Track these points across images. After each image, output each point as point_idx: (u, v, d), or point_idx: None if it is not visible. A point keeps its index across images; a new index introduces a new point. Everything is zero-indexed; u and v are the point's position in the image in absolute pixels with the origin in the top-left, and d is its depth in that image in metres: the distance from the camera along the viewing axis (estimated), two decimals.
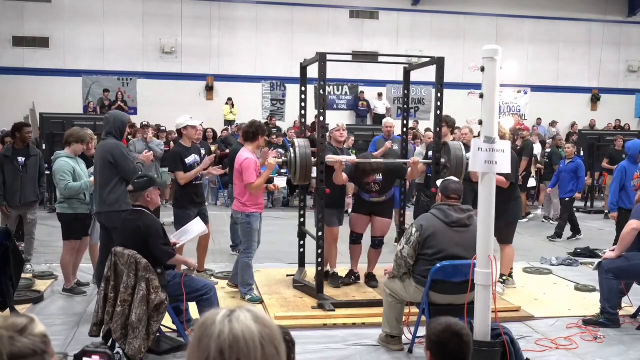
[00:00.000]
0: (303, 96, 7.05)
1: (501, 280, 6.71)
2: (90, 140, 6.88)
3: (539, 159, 13.42)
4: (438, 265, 4.67)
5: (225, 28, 19.03)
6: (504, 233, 6.72)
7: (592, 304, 6.24)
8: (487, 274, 3.95)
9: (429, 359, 2.72)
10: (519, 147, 11.92)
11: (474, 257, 4.06)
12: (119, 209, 5.56)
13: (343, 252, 7.36)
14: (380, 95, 19.54)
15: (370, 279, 6.75)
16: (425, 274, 4.74)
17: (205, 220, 6.51)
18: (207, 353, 1.32)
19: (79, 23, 18.12)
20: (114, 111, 7.76)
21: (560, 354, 5.08)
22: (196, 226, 5.73)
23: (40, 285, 6.67)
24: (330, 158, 6.18)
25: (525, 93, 21.00)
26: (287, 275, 7.01)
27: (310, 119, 8.74)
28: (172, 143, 11.91)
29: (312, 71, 6.53)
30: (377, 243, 6.78)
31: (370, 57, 18.75)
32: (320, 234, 6.08)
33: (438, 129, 6.40)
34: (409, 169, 6.59)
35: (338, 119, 8.03)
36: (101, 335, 4.69)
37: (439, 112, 6.32)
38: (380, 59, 17.46)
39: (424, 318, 4.81)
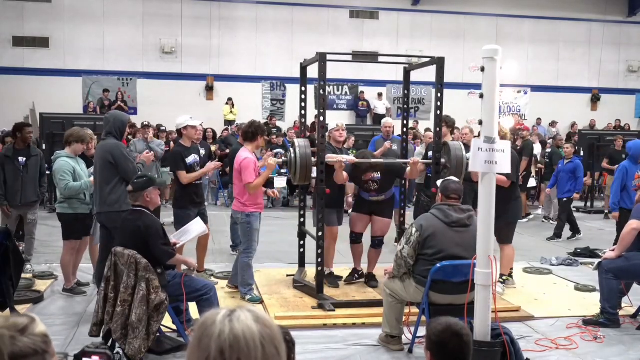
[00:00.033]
0: (303, 96, 7.05)
1: (501, 280, 6.72)
2: (90, 140, 6.88)
3: (538, 159, 13.42)
4: (438, 265, 4.67)
5: (225, 28, 19.03)
6: (504, 233, 6.72)
7: (592, 304, 6.24)
8: (487, 274, 3.95)
9: (429, 359, 2.72)
10: (519, 147, 11.93)
11: (474, 257, 4.06)
12: (119, 209, 5.56)
13: (343, 252, 7.36)
14: (380, 95, 19.54)
15: (370, 279, 6.75)
16: (425, 274, 4.74)
17: (205, 220, 6.51)
18: (208, 353, 1.32)
19: (79, 23, 18.12)
20: (114, 111, 7.76)
21: (560, 354, 5.08)
22: (196, 226, 5.73)
23: (40, 285, 6.67)
24: (330, 157, 6.18)
25: (525, 93, 21.00)
26: (287, 275, 7.01)
27: (310, 119, 8.75)
28: (172, 143, 11.91)
29: (312, 71, 6.53)
30: (377, 243, 6.78)
31: (370, 57, 18.75)
32: (320, 234, 6.09)
33: (438, 129, 6.40)
34: (408, 168, 6.60)
35: (338, 119, 8.03)
36: (101, 335, 4.69)
37: (439, 112, 6.32)
38: (380, 59, 17.47)
39: (424, 318, 4.81)
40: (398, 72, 14.09)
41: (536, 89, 20.83)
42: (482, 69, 3.93)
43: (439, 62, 6.30)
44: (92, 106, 17.82)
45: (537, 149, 13.53)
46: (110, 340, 4.63)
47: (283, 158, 6.54)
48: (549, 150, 13.97)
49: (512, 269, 7.13)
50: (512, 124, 15.06)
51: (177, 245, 5.33)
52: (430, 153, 7.17)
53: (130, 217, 4.89)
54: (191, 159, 6.74)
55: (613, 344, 5.33)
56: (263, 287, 6.65)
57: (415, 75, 7.69)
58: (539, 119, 20.26)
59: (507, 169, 4.09)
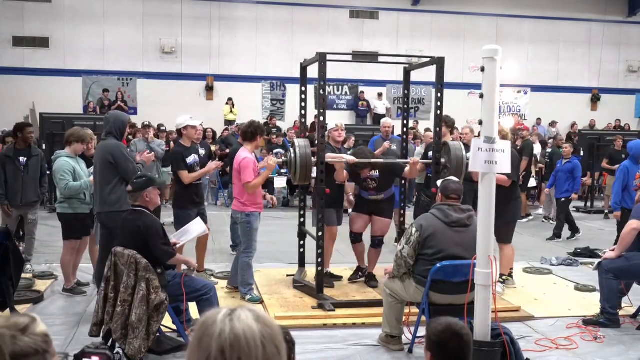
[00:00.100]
0: (303, 96, 7.05)
1: (501, 280, 6.72)
2: (90, 140, 6.89)
3: (538, 159, 13.42)
4: (438, 265, 4.67)
5: (225, 28, 19.03)
6: (503, 233, 6.72)
7: (592, 304, 6.24)
8: (487, 274, 3.95)
9: (429, 359, 2.72)
10: (519, 147, 11.93)
11: (474, 257, 4.06)
12: (119, 209, 5.56)
13: (342, 252, 7.36)
14: (380, 95, 19.54)
15: (370, 279, 6.76)
16: (425, 274, 4.74)
17: (204, 219, 6.51)
18: (208, 352, 1.32)
19: (79, 23, 18.12)
20: (114, 111, 7.76)
21: (560, 354, 5.08)
22: (196, 226, 5.73)
23: (40, 285, 6.67)
24: (330, 157, 6.18)
25: (525, 93, 21.00)
26: (287, 275, 7.01)
27: (310, 119, 8.76)
28: (172, 143, 11.91)
29: (312, 71, 6.53)
30: (377, 243, 6.78)
31: (370, 57, 18.75)
32: (320, 234, 6.09)
33: (438, 129, 6.41)
34: (407, 167, 6.60)
35: (338, 119, 8.03)
36: (101, 335, 4.69)
37: (439, 112, 6.33)
38: (380, 59, 17.46)
39: (424, 318, 4.81)
40: (398, 72, 14.10)
41: (536, 89, 20.83)
42: (482, 69, 3.93)
43: (439, 62, 6.30)
44: (92, 106, 17.82)
45: (537, 149, 13.53)
46: (110, 340, 4.63)
47: (283, 158, 6.54)
48: (549, 150, 13.97)
49: (512, 269, 7.13)
50: (512, 124, 15.05)
51: (177, 245, 5.34)
52: (430, 153, 7.17)
53: (130, 217, 4.89)
54: (191, 159, 6.74)
55: (613, 344, 5.33)
56: (263, 287, 6.65)
57: (415, 75, 7.69)
58: (539, 119, 20.27)
59: (507, 169, 4.09)
